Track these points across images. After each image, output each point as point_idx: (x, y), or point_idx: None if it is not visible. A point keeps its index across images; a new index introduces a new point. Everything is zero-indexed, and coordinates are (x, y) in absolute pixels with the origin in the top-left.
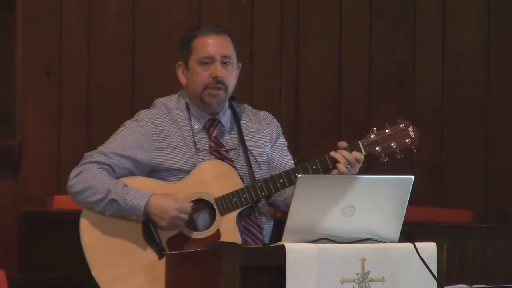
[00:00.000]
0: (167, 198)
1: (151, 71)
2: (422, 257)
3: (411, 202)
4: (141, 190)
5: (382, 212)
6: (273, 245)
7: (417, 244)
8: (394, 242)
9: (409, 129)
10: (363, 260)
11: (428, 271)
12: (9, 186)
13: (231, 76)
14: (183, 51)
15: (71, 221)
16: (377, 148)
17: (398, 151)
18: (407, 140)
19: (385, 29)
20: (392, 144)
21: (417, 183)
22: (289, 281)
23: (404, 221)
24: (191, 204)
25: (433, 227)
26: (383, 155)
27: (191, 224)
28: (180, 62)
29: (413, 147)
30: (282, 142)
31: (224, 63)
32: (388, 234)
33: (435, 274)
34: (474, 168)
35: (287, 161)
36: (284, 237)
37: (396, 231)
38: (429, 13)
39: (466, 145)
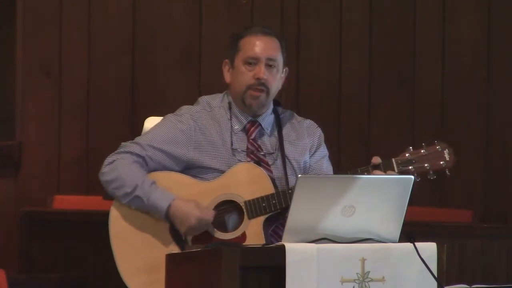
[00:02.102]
0: (190, 204)
1: (151, 71)
2: (422, 257)
3: (411, 202)
4: (167, 191)
5: (382, 212)
6: (273, 245)
7: (417, 244)
8: (394, 242)
9: (445, 151)
10: (363, 260)
11: (428, 271)
12: (9, 186)
13: (274, 80)
14: (231, 49)
15: (71, 221)
16: (410, 167)
17: (431, 172)
18: (441, 163)
19: (385, 29)
20: (426, 165)
21: (417, 183)
22: (289, 281)
23: (404, 221)
24: (214, 212)
25: (433, 227)
26: (415, 174)
27: (220, 224)
28: (227, 60)
29: (446, 169)
30: (323, 152)
31: (268, 66)
32: (388, 234)
33: (435, 274)
34: (474, 168)
35: (325, 171)
36: (284, 237)
37: (396, 231)
38: (429, 13)
39: (466, 145)
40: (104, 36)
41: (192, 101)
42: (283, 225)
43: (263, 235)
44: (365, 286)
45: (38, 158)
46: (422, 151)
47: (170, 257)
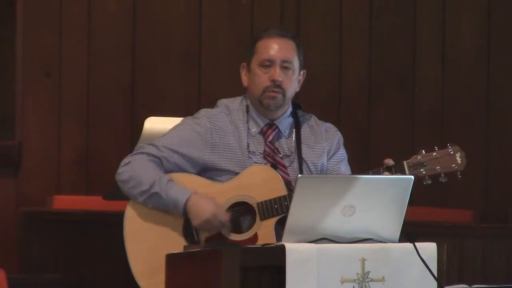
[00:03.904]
0: (209, 200)
1: (151, 71)
2: (422, 257)
3: (411, 202)
4: (185, 187)
5: (382, 212)
6: (273, 245)
7: (417, 244)
8: (394, 242)
9: (457, 154)
10: (363, 260)
11: (428, 271)
12: (9, 186)
13: (290, 82)
14: (248, 52)
15: (71, 221)
16: (422, 170)
17: (442, 175)
18: (453, 165)
19: (385, 29)
20: (437, 168)
21: (417, 183)
22: (289, 281)
23: (404, 221)
24: (229, 215)
25: (433, 227)
26: (427, 177)
27: (233, 225)
28: (244, 63)
29: (458, 172)
30: (342, 155)
31: (284, 68)
32: (388, 234)
33: (435, 274)
34: (474, 168)
35: (343, 173)
36: (284, 237)
37: (396, 231)
38: (429, 13)
39: (466, 145)
40: (104, 36)
41: (192, 101)
42: None
43: (274, 236)
44: (365, 286)
45: (38, 158)
46: (434, 154)
47: (170, 257)
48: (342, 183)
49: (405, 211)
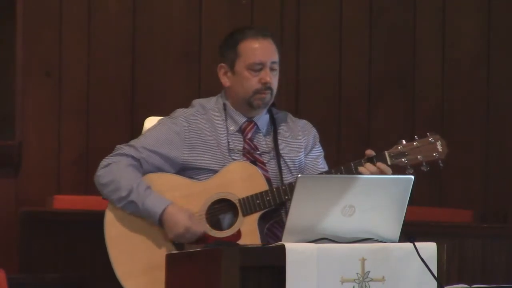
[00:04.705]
0: (184, 213)
1: (151, 71)
2: (422, 257)
3: (411, 202)
4: (161, 196)
5: (382, 212)
6: (273, 245)
7: (417, 244)
8: (394, 242)
9: (438, 142)
10: (363, 260)
11: (428, 271)
12: (9, 186)
13: (276, 81)
14: (227, 53)
15: (71, 221)
16: (403, 160)
17: (424, 163)
18: (434, 154)
19: (385, 29)
20: (419, 157)
21: (417, 183)
22: (289, 281)
23: (404, 221)
24: (205, 227)
25: (433, 227)
26: (408, 166)
27: (215, 223)
28: (223, 64)
29: (439, 161)
30: (318, 151)
31: (271, 69)
32: (388, 234)
33: (435, 274)
34: (474, 168)
35: (321, 169)
36: (284, 237)
37: (396, 231)
38: (429, 13)
39: (466, 145)
40: (104, 36)
41: (192, 101)
42: (278, 223)
43: (258, 232)
44: (365, 286)
45: (38, 158)
46: (414, 143)
47: (170, 257)
48: (342, 183)
49: (405, 211)
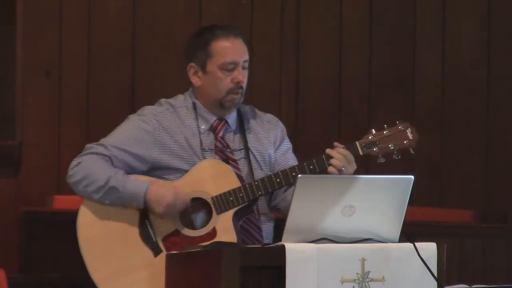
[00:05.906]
0: (167, 186)
1: (151, 71)
2: (422, 257)
3: (411, 202)
4: (141, 179)
5: (382, 212)
6: (273, 245)
7: (417, 244)
8: (394, 242)
9: (407, 130)
10: (363, 260)
11: (428, 271)
12: (9, 186)
13: (246, 79)
14: (198, 53)
15: (71, 221)
16: (375, 149)
17: (395, 152)
18: (405, 142)
19: (385, 29)
20: (390, 145)
21: (417, 183)
22: (289, 281)
23: (404, 221)
24: (179, 227)
25: (433, 227)
26: (380, 156)
27: (188, 222)
28: (193, 64)
29: (410, 148)
30: (287, 145)
31: (243, 68)
32: (388, 234)
33: (435, 274)
34: (474, 168)
35: (291, 163)
36: (284, 237)
37: (396, 231)
38: (429, 13)
39: (466, 145)
40: (104, 36)
41: None
42: (250, 220)
43: (233, 229)
44: (365, 286)
45: (38, 158)
46: (385, 132)
47: (170, 257)
48: (342, 183)
49: (405, 211)
